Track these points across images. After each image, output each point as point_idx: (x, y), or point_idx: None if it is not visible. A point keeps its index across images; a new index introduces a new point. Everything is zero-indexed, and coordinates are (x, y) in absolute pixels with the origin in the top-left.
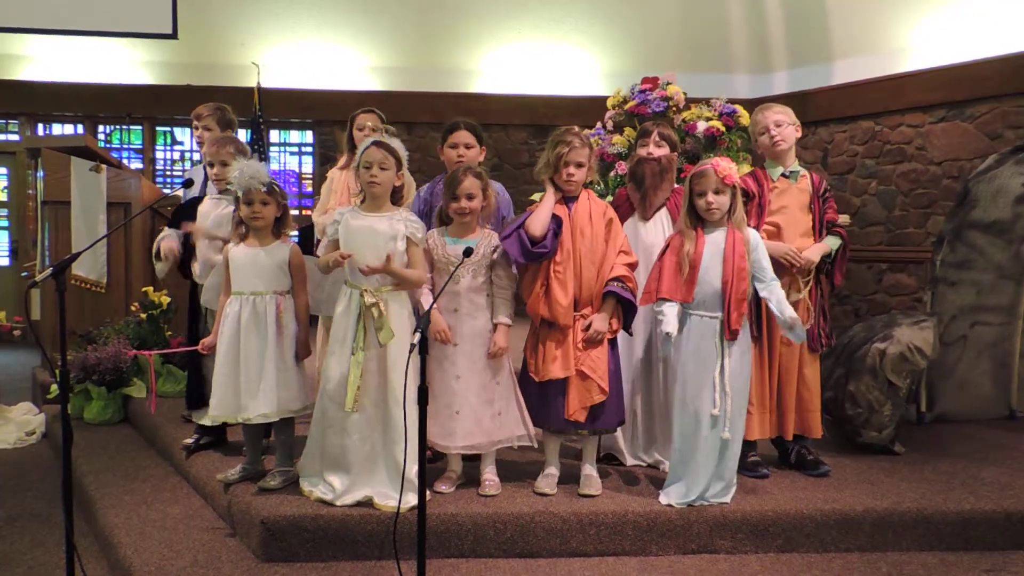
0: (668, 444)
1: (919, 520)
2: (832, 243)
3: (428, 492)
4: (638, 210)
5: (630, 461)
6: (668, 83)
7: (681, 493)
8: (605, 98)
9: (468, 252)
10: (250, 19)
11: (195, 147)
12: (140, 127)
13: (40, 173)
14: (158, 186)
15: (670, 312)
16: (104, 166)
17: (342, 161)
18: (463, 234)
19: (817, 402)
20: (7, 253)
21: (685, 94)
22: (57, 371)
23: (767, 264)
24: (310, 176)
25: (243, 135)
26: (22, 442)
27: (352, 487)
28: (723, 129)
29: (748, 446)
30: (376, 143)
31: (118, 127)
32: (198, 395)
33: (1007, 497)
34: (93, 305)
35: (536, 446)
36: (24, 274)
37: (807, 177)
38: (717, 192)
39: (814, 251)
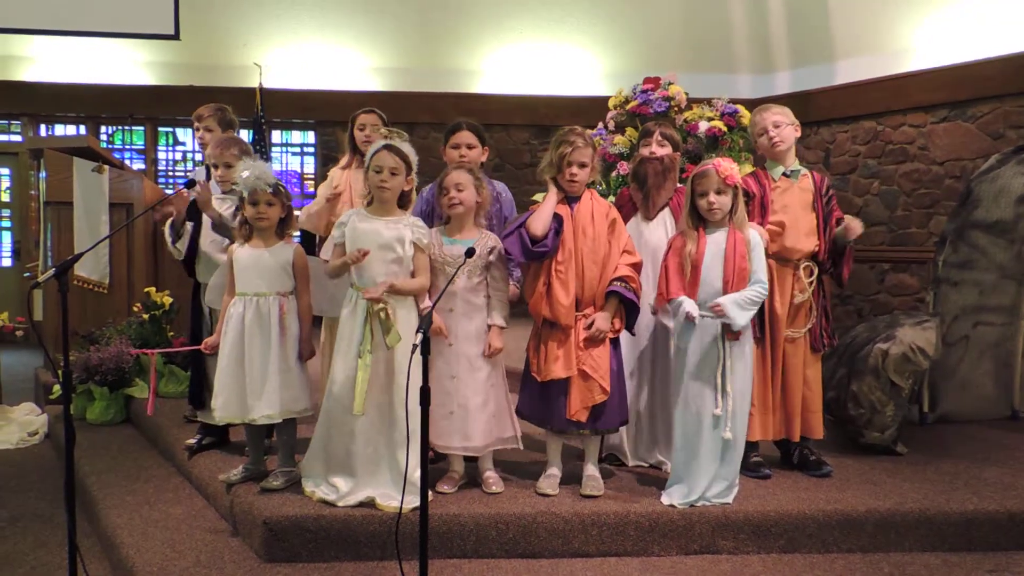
0: (670, 445)
1: (922, 520)
2: (857, 225)
3: (430, 492)
4: (641, 210)
5: (632, 461)
6: (670, 83)
7: (683, 493)
8: (607, 98)
9: (470, 253)
10: (252, 20)
11: (197, 148)
12: (142, 128)
13: (42, 174)
14: (160, 187)
15: (686, 302)
16: (106, 167)
17: (344, 161)
18: (460, 233)
19: (819, 402)
20: (10, 254)
21: (687, 94)
22: (59, 371)
23: (758, 267)
24: (312, 176)
25: (245, 135)
26: (24, 442)
27: (355, 488)
28: (725, 129)
29: (750, 447)
30: (388, 147)
31: (120, 128)
32: (201, 395)
33: (1010, 497)
34: (95, 306)
35: (522, 447)
36: (27, 275)
37: (808, 176)
38: (719, 192)
39: (856, 223)
